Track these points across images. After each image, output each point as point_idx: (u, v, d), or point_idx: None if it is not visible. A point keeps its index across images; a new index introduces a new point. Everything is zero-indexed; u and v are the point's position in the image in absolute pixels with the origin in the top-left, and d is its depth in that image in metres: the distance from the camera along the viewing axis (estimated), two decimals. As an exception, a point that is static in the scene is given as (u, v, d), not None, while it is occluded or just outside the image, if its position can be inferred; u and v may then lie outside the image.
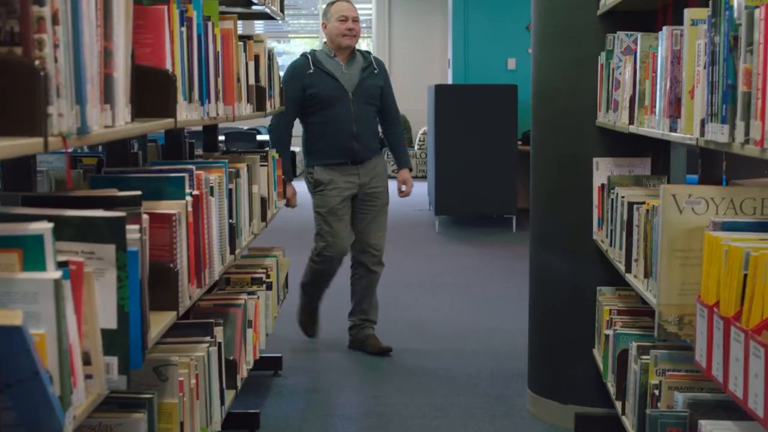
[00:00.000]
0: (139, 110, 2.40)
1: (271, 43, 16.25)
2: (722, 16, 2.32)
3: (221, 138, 13.21)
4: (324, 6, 5.69)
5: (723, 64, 2.31)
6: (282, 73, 5.41)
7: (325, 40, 5.74)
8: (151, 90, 2.49)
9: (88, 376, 1.91)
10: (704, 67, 2.47)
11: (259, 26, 17.69)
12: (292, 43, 19.75)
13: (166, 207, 2.56)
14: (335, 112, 5.53)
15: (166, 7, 2.55)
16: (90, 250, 1.89)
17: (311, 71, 5.52)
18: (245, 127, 14.56)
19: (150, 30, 2.53)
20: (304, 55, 5.65)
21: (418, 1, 16.82)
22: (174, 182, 2.66)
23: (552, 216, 4.69)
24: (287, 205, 5.59)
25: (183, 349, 3.02)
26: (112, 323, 1.91)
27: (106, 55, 2.06)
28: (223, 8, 4.48)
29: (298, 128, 5.65)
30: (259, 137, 14.35)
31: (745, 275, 2.10)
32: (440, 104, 10.22)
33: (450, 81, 12.96)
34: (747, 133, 2.17)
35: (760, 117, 2.10)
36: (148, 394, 2.47)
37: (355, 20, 5.58)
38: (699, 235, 2.50)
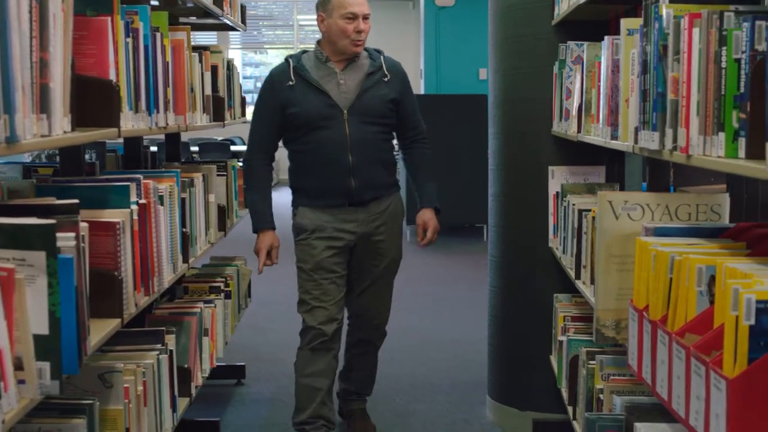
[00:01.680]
0: (82, 120, 2.43)
1: (248, 54, 16.09)
2: (652, 25, 2.37)
3: (195, 149, 13.24)
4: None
5: (653, 73, 2.36)
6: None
7: (318, 38, 4.28)
8: (94, 100, 2.51)
9: (20, 381, 1.93)
10: (637, 76, 2.52)
11: (234, 38, 17.73)
12: (270, 54, 19.79)
13: (110, 215, 2.59)
14: (324, 137, 4.09)
15: (109, 19, 2.58)
16: (21, 257, 1.91)
17: (291, 83, 4.09)
18: (219, 138, 14.59)
19: (93, 41, 2.56)
20: (285, 61, 4.22)
21: (390, 12, 16.87)
22: (119, 191, 2.69)
23: (510, 224, 4.74)
24: (265, 263, 4.25)
25: (132, 356, 3.04)
26: (43, 329, 1.94)
27: (42, 66, 2.09)
28: (192, 20, 4.53)
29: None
30: (233, 147, 14.37)
31: (671, 279, 2.15)
32: (412, 114, 10.24)
33: (422, 91, 13.02)
34: (675, 140, 2.22)
35: (685, 124, 2.15)
36: (89, 399, 2.50)
37: (366, 18, 4.14)
38: (634, 241, 2.55)
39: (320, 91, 4.10)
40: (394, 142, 4.39)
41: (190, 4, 4.00)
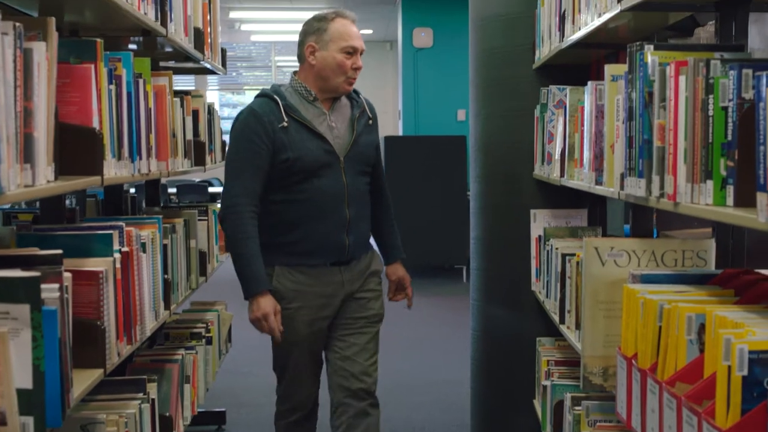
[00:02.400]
0: (64, 168, 2.41)
1: (225, 95, 16.09)
2: (637, 72, 2.38)
3: (172, 190, 13.20)
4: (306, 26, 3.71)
5: (639, 120, 2.36)
6: (232, 125, 3.67)
7: (295, 72, 3.74)
8: (77, 148, 2.49)
9: (3, 437, 1.90)
10: (623, 122, 2.52)
11: (212, 80, 17.76)
12: (247, 95, 19.81)
13: (93, 264, 2.56)
14: (321, 187, 3.59)
15: (93, 66, 2.57)
16: (5, 310, 1.88)
17: (284, 124, 3.54)
18: (197, 180, 14.55)
19: (76, 88, 2.54)
20: (267, 96, 3.62)
21: (368, 53, 16.86)
22: (101, 239, 2.66)
23: (492, 267, 4.73)
24: (270, 332, 3.58)
25: (114, 406, 3.00)
26: (27, 383, 1.90)
27: (26, 115, 2.07)
28: (170, 64, 4.53)
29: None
30: (211, 189, 14.33)
31: (660, 327, 2.14)
32: (391, 155, 10.27)
33: (400, 132, 13.04)
34: (662, 187, 2.22)
35: (673, 171, 2.15)
36: (72, 453, 2.46)
37: (362, 54, 3.71)
38: (621, 288, 2.54)
39: (317, 135, 3.59)
40: None
41: (169, 49, 3.99)
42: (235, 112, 20.25)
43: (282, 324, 3.57)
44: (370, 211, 3.80)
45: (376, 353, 3.83)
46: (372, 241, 3.89)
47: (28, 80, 2.08)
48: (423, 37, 12.25)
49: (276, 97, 3.60)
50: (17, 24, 2.00)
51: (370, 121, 3.77)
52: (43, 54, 2.18)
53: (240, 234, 3.51)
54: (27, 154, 2.07)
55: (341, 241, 3.64)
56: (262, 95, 3.66)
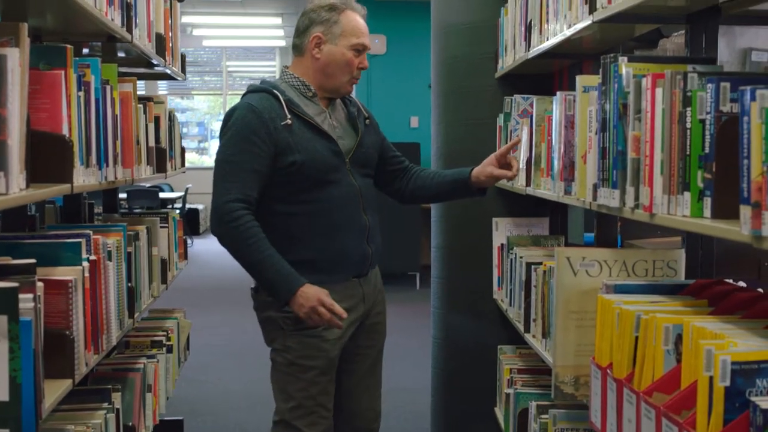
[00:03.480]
0: (34, 175, 2.37)
1: (174, 100, 16.01)
2: (611, 84, 2.39)
3: (122, 196, 13.10)
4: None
5: (613, 131, 2.38)
6: (224, 123, 3.25)
7: (287, 66, 3.39)
8: (48, 155, 2.46)
9: (-22, 450, 1.87)
10: (596, 133, 2.54)
11: (162, 84, 17.64)
12: (196, 100, 19.72)
13: (62, 273, 2.52)
14: (335, 193, 3.23)
15: (63, 72, 2.53)
16: (-19, 321, 1.85)
17: (288, 122, 3.16)
18: (147, 185, 14.43)
19: (47, 95, 2.51)
20: (265, 91, 3.23)
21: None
22: (70, 248, 2.63)
23: (453, 275, 4.74)
24: (331, 320, 3.12)
25: (79, 416, 2.96)
26: (3, 395, 1.87)
27: (0, 122, 2.04)
28: (125, 69, 4.48)
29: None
30: (161, 194, 14.24)
31: (636, 337, 2.15)
32: (344, 162, 10.24)
33: (354, 139, 13.02)
34: (637, 198, 2.24)
35: (648, 183, 2.16)
36: (41, 464, 2.42)
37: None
38: (593, 297, 2.55)
39: (323, 134, 3.22)
40: None
41: (122, 54, 3.95)
42: (183, 117, 20.14)
43: (311, 346, 3.21)
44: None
45: (380, 380, 3.60)
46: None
47: (2, 87, 2.05)
48: (377, 44, 12.26)
49: (275, 91, 3.22)
50: (-8, 30, 1.97)
51: (367, 121, 3.43)
52: (17, 60, 2.14)
53: (248, 240, 3.09)
54: (1, 162, 2.04)
55: (364, 251, 3.30)
56: (258, 90, 3.25)
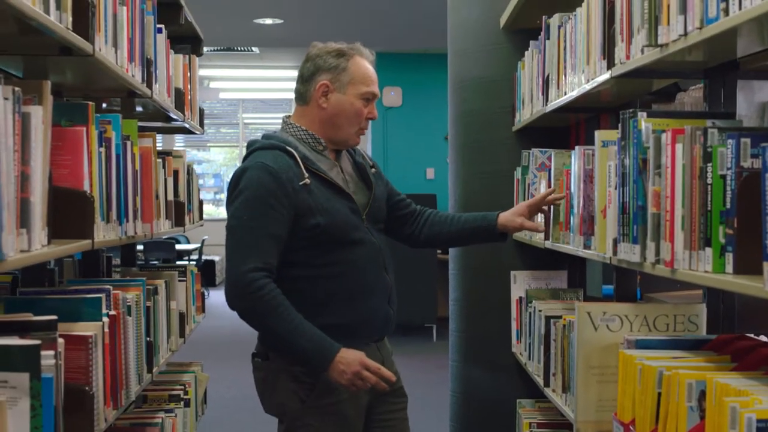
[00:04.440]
0: (55, 231, 2.38)
1: (191, 152, 16.01)
2: (631, 139, 2.40)
3: (139, 247, 13.12)
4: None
5: (633, 186, 2.38)
6: (235, 185, 2.98)
7: (288, 115, 3.17)
8: (69, 211, 2.47)
9: None
10: (615, 188, 2.54)
11: (178, 137, 17.76)
12: (212, 151, 19.81)
13: (83, 329, 2.52)
14: (359, 255, 3.03)
15: (84, 129, 2.55)
16: (3, 378, 1.85)
17: (306, 182, 2.93)
18: (164, 237, 14.46)
19: (68, 151, 2.52)
20: (278, 148, 2.98)
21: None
22: (90, 303, 2.63)
23: (471, 329, 4.73)
24: (377, 382, 2.90)
25: (98, 473, 2.95)
26: (25, 453, 1.87)
27: (23, 180, 2.05)
28: (143, 123, 4.52)
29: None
30: (178, 246, 14.26)
31: (659, 393, 2.14)
32: (360, 214, 10.25)
33: (370, 190, 13.06)
34: (658, 253, 2.23)
35: (669, 238, 2.16)
36: None
37: None
38: (614, 352, 2.54)
39: (341, 192, 3.00)
40: None
41: (139, 108, 3.98)
42: (199, 169, 20.20)
43: (330, 422, 2.96)
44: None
45: None
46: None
47: (25, 144, 2.06)
48: (392, 96, 12.33)
49: (289, 148, 2.97)
50: (16, 88, 1.99)
51: (373, 170, 3.20)
52: (40, 118, 2.16)
53: (276, 309, 2.85)
54: (23, 219, 2.05)
55: (387, 312, 3.09)
56: (269, 147, 2.99)
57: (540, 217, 3.63)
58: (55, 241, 2.35)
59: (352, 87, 3.02)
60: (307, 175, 2.93)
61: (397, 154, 12.34)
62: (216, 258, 16.79)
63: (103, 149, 2.75)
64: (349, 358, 2.86)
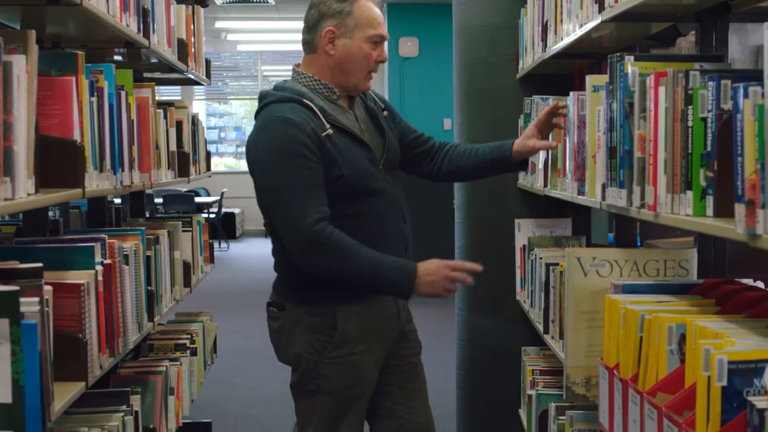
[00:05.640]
0: (46, 181, 2.40)
1: (212, 105, 16.03)
2: (618, 83, 2.38)
3: (159, 200, 13.19)
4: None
5: (620, 130, 2.37)
6: (255, 144, 2.90)
7: (298, 65, 3.07)
8: (58, 160, 2.48)
9: (-18, 452, 1.89)
10: (604, 133, 2.53)
11: (198, 90, 17.76)
12: (233, 104, 19.81)
13: (74, 277, 2.55)
14: (380, 205, 2.99)
15: (74, 78, 2.56)
16: (-17, 324, 1.88)
17: (329, 132, 2.87)
18: (183, 189, 14.53)
19: (57, 101, 2.53)
20: (293, 101, 2.89)
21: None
22: (83, 252, 2.66)
23: (477, 277, 4.72)
24: (464, 278, 3.01)
25: (96, 419, 2.98)
26: (6, 398, 1.89)
27: (6, 128, 2.06)
28: (157, 75, 4.52)
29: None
30: (197, 199, 14.32)
31: (641, 338, 2.14)
32: (376, 165, 10.25)
33: (387, 141, 13.05)
34: (643, 197, 2.23)
35: (653, 182, 2.15)
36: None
37: None
38: (603, 298, 2.54)
39: (360, 142, 2.95)
40: None
41: (154, 60, 3.99)
42: (220, 122, 20.20)
43: (345, 374, 2.96)
44: None
45: (427, 393, 3.28)
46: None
47: (7, 93, 2.07)
48: (409, 46, 12.28)
49: (305, 100, 2.89)
50: (-3, 37, 2.00)
51: (385, 113, 3.13)
52: (23, 67, 2.17)
53: (350, 251, 2.81)
54: (6, 168, 2.06)
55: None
56: (285, 99, 2.90)
57: (541, 164, 3.62)
58: (44, 190, 2.36)
59: (359, 31, 2.94)
60: (328, 125, 2.86)
61: (414, 104, 12.30)
62: (236, 210, 16.86)
63: (94, 99, 2.76)
64: (431, 267, 2.87)
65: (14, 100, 2.10)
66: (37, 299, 2.08)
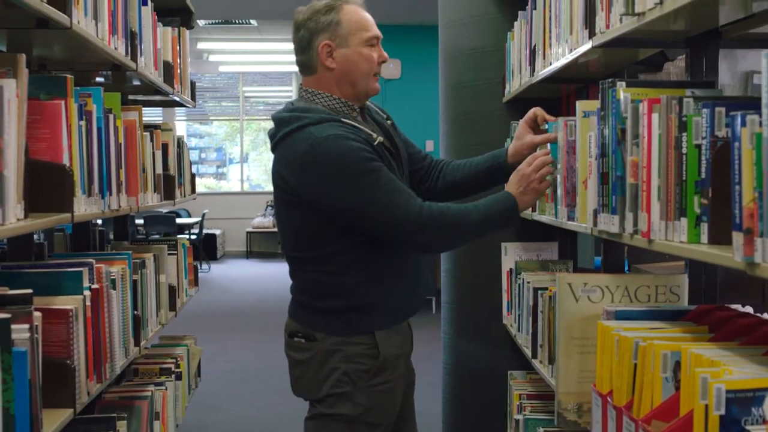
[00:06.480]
0: (34, 205, 2.38)
1: (193, 126, 16.02)
2: (610, 109, 2.38)
3: (140, 221, 13.13)
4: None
5: (612, 156, 2.37)
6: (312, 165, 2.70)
7: (300, 83, 3.00)
8: (47, 185, 2.47)
9: (-28, 482, 1.87)
10: (595, 159, 2.53)
11: (179, 111, 17.73)
12: (214, 125, 19.78)
13: (62, 303, 2.53)
14: None
15: (63, 102, 2.54)
16: (-26, 352, 1.85)
17: (380, 138, 2.83)
18: (164, 211, 14.47)
19: (47, 125, 2.52)
20: (329, 120, 2.76)
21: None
22: (71, 277, 2.64)
23: (463, 300, 4.72)
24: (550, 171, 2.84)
25: (83, 445, 2.96)
26: (-3, 426, 1.88)
27: (-4, 153, 2.04)
28: (140, 97, 4.51)
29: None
30: (179, 220, 14.27)
31: (635, 365, 2.13)
32: (359, 187, 10.24)
33: (369, 163, 13.05)
34: (636, 224, 2.22)
35: (646, 208, 2.15)
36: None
37: None
38: (595, 324, 2.53)
39: (394, 155, 2.89)
40: None
41: (137, 83, 3.97)
42: (201, 143, 20.14)
43: (381, 401, 2.84)
44: None
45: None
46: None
47: (-2, 118, 2.06)
48: (391, 68, 12.29)
49: (340, 117, 2.79)
50: (-13, 62, 1.98)
51: (389, 121, 3.05)
52: (14, 91, 2.15)
53: (461, 212, 2.74)
54: (-3, 193, 2.05)
55: (428, 284, 3.01)
56: (320, 121, 2.75)
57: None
58: (33, 215, 2.34)
59: (353, 37, 2.84)
60: (374, 134, 2.79)
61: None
62: (217, 231, 16.80)
63: (83, 122, 2.74)
64: (515, 180, 2.82)
65: (5, 125, 2.09)
66: (27, 326, 2.06)
